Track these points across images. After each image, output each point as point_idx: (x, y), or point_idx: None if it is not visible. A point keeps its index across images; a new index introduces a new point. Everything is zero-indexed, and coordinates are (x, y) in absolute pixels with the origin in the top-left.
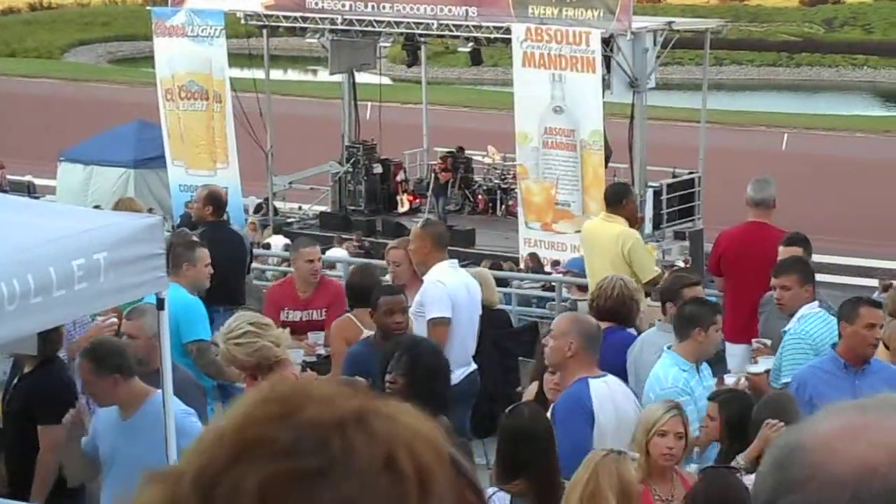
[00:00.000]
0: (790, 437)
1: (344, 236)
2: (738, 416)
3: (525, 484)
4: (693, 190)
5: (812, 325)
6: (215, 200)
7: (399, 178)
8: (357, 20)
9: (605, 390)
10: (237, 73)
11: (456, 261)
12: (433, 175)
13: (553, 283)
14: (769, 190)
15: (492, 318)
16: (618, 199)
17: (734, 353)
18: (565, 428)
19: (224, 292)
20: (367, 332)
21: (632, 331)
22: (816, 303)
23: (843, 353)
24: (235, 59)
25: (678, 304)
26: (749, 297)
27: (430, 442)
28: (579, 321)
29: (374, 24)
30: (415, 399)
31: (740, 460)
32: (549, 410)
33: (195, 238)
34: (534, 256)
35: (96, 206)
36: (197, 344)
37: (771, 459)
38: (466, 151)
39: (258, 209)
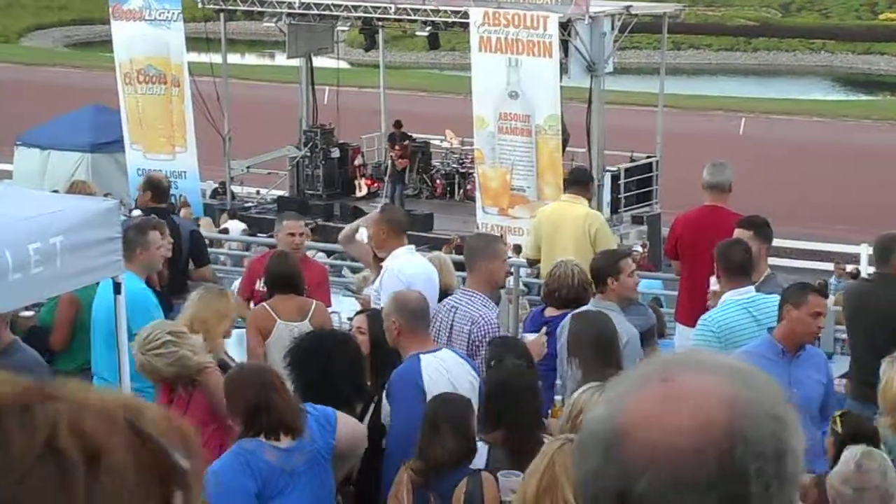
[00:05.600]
0: (603, 423)
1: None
2: None
3: (503, 435)
4: (651, 174)
5: (723, 313)
6: (153, 185)
7: (357, 162)
8: (315, 4)
9: (436, 364)
10: (194, 57)
11: (413, 246)
12: (390, 161)
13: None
14: (725, 174)
15: None
16: (583, 182)
17: (688, 335)
18: (398, 403)
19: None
20: (281, 322)
21: None
22: (751, 287)
23: (781, 337)
24: (193, 43)
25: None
26: (705, 281)
27: (100, 415)
28: (397, 299)
29: (332, 8)
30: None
31: None
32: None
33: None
34: None
35: (54, 191)
36: None
37: (593, 450)
38: (425, 136)
39: (216, 193)
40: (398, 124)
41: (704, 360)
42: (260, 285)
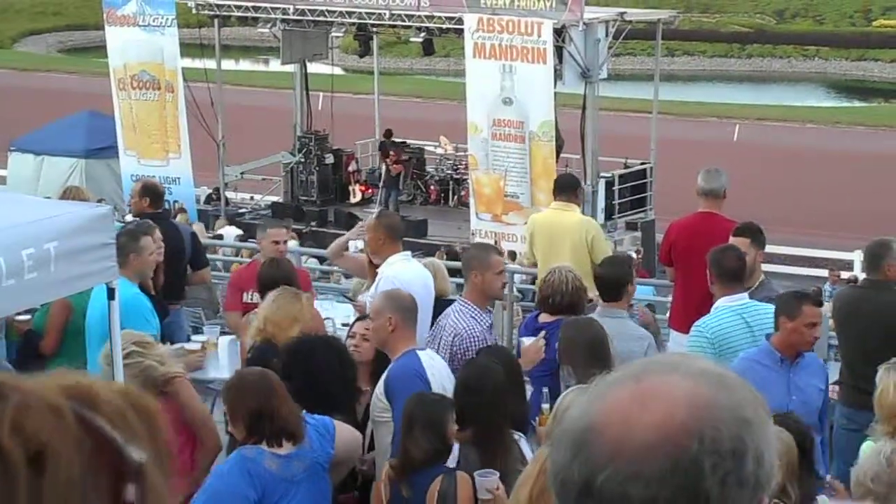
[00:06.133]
0: (577, 421)
1: (294, 227)
2: None
3: (471, 433)
4: (645, 181)
5: (717, 319)
6: (151, 192)
7: (351, 168)
8: (309, 10)
9: (430, 361)
10: (189, 62)
11: (409, 252)
12: (384, 167)
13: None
14: (720, 180)
15: (444, 308)
16: (572, 188)
17: (682, 342)
18: (406, 395)
19: (164, 287)
20: None
21: None
22: (745, 294)
23: (779, 345)
24: (187, 48)
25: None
26: (699, 287)
27: (46, 410)
28: (393, 297)
29: (326, 14)
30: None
31: None
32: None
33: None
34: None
35: (47, 198)
36: None
37: (566, 444)
38: (419, 142)
39: (209, 199)
40: (388, 133)
41: (680, 362)
42: (249, 297)
